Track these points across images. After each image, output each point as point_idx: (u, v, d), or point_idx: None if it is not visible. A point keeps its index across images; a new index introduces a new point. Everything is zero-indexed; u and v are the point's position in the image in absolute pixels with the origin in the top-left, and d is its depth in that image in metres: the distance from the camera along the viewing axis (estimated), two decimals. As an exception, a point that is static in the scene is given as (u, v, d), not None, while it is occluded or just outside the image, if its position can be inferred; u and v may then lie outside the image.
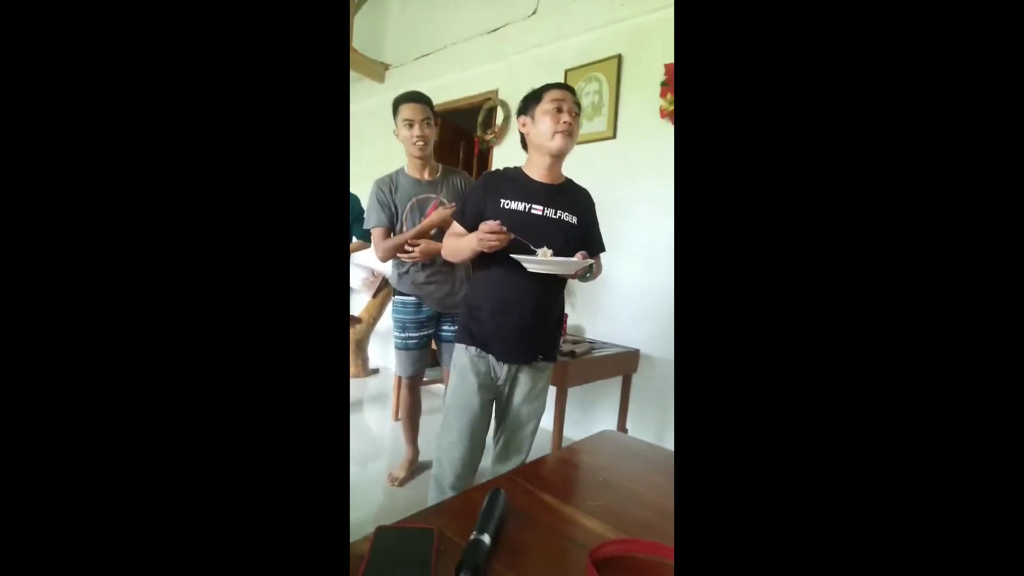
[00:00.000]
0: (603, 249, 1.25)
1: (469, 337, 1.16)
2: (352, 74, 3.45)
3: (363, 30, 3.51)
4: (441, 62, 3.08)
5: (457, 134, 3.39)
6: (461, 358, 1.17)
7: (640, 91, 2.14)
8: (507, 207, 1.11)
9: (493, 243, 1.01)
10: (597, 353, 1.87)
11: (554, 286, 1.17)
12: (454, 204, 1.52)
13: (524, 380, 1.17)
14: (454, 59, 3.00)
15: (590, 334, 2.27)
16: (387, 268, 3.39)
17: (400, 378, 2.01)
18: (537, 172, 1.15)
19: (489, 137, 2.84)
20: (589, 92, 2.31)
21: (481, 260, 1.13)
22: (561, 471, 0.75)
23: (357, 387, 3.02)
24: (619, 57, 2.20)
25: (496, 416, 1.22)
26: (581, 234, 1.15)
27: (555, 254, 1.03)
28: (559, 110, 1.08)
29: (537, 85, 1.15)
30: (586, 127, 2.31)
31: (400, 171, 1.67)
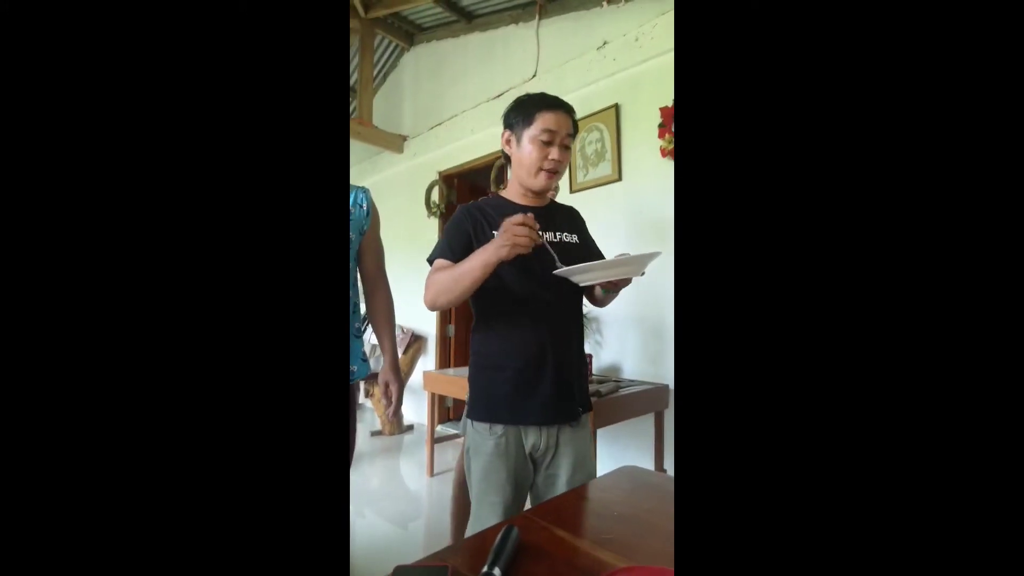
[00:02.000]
0: None
1: (489, 412, 0.92)
2: (373, 148, 3.75)
3: (382, 108, 3.84)
4: (454, 129, 3.31)
5: (473, 192, 3.57)
6: (483, 443, 0.92)
7: (640, 135, 2.24)
8: None
9: (523, 240, 0.77)
10: (624, 391, 1.86)
11: (580, 316, 1.02)
12: None
13: (568, 445, 0.94)
14: (465, 125, 3.23)
15: (616, 373, 2.25)
16: (417, 324, 3.50)
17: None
18: (523, 198, 1.00)
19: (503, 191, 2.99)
20: (592, 141, 2.43)
21: (489, 308, 0.95)
22: (577, 506, 0.76)
23: (393, 444, 3.05)
24: (616, 106, 2.33)
25: (536, 492, 0.97)
26: (585, 252, 1.01)
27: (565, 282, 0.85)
28: (548, 143, 0.92)
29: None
30: (592, 172, 2.42)
31: None
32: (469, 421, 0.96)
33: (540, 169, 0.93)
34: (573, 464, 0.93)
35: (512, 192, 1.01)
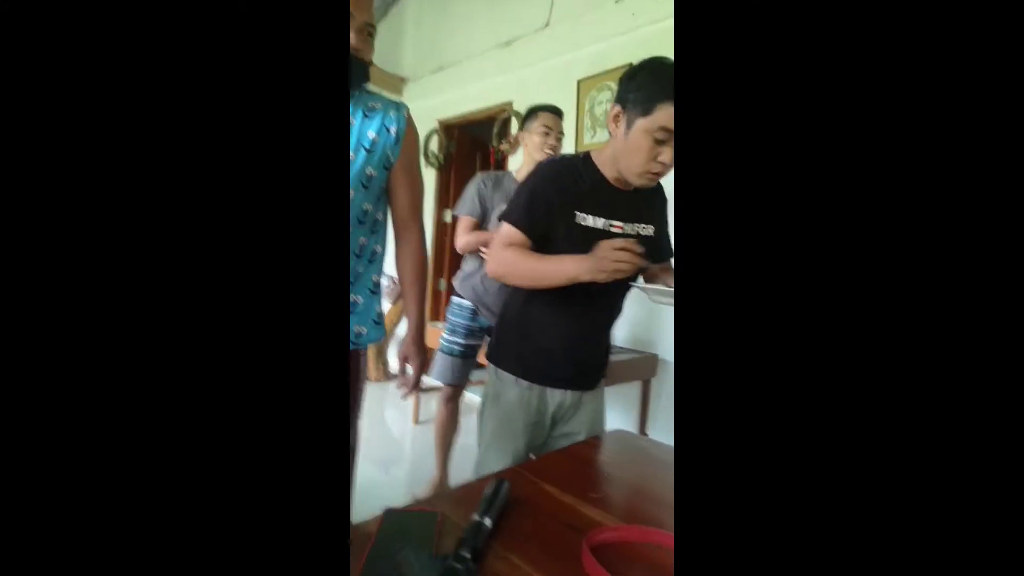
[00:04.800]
0: (672, 254, 1.02)
1: (520, 365, 0.92)
2: (371, 87, 3.58)
3: (381, 46, 3.62)
4: (457, 75, 3.16)
5: (474, 145, 3.46)
6: (507, 391, 0.92)
7: (652, 97, 2.16)
8: (583, 223, 0.84)
9: (625, 267, 0.73)
10: (614, 358, 1.88)
11: (621, 302, 1.01)
12: None
13: (590, 405, 0.97)
14: (469, 72, 3.08)
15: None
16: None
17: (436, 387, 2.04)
18: (615, 179, 0.88)
19: (504, 147, 2.90)
20: (602, 101, 2.34)
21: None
22: (567, 465, 0.77)
23: (378, 390, 3.08)
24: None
25: (548, 448, 0.97)
26: (653, 247, 0.93)
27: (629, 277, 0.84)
28: (662, 142, 0.78)
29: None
30: (600, 135, 2.34)
31: (508, 174, 1.68)
32: (493, 367, 0.95)
33: (647, 171, 0.81)
34: (590, 423, 0.95)
35: (606, 165, 0.88)
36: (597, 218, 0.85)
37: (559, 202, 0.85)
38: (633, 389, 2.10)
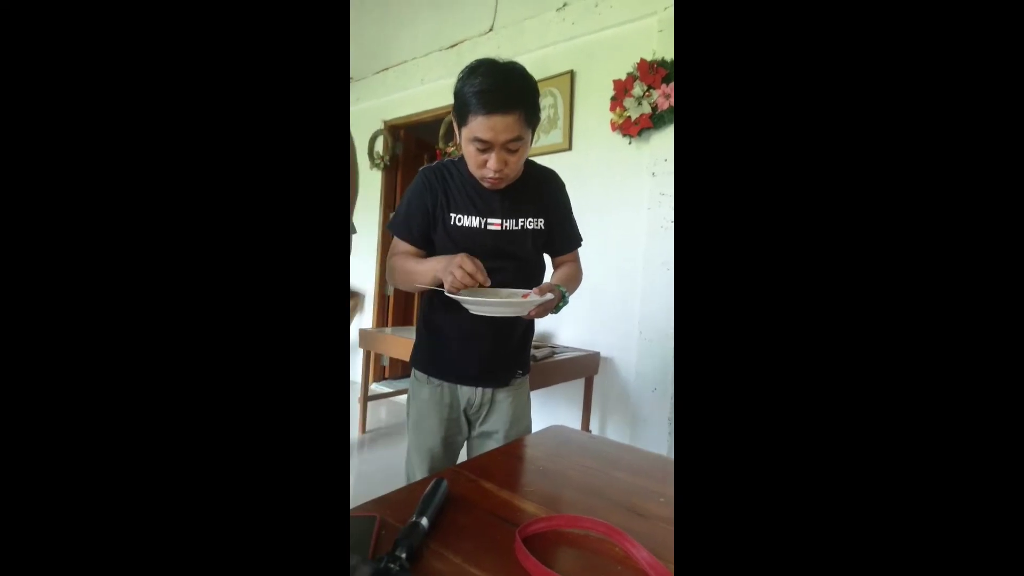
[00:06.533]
0: (579, 243, 1.02)
1: (430, 364, 0.96)
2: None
3: (324, 45, 3.53)
4: (402, 76, 3.13)
5: (420, 147, 3.44)
6: (420, 390, 0.97)
7: (592, 105, 2.25)
8: (459, 223, 0.88)
9: (459, 284, 0.79)
10: (558, 357, 1.94)
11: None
12: None
13: (505, 402, 0.97)
14: (414, 73, 3.06)
15: (552, 340, 2.34)
16: (354, 280, 3.39)
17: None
18: None
19: (451, 149, 2.90)
20: (545, 106, 2.40)
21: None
22: (504, 462, 0.80)
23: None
24: (571, 73, 2.31)
25: (471, 449, 1.01)
26: (548, 240, 0.96)
27: (521, 271, 0.89)
28: (483, 151, 0.81)
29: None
30: (543, 139, 2.40)
31: None
32: (414, 369, 1.00)
33: (481, 176, 0.85)
34: (508, 422, 0.97)
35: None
36: (472, 217, 0.88)
37: (431, 207, 0.89)
38: (578, 385, 2.17)
